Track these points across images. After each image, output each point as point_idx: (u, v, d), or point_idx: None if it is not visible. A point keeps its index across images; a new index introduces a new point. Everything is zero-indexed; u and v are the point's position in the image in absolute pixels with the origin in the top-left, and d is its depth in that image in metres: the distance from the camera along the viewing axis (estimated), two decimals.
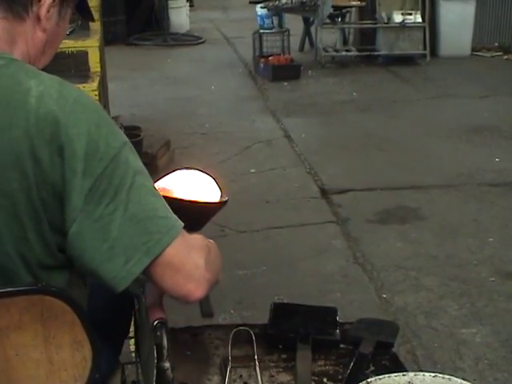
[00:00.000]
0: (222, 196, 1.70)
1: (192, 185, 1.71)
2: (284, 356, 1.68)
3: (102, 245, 1.26)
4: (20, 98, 1.25)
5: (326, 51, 8.94)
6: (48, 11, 1.38)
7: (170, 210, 1.34)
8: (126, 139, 1.33)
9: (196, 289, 1.32)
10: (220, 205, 1.69)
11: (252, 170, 5.32)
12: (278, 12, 8.78)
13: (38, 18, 1.38)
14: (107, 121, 1.31)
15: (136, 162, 1.31)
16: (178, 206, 1.43)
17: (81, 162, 1.23)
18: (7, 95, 1.25)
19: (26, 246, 1.28)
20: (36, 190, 1.24)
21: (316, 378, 1.61)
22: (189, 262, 1.32)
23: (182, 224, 1.33)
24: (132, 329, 1.95)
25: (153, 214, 1.29)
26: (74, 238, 1.26)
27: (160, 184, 1.65)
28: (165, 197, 1.54)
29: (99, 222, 1.25)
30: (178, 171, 1.76)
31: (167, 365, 1.48)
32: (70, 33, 1.53)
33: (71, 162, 1.23)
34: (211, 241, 1.51)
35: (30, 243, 1.28)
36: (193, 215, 1.58)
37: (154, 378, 1.46)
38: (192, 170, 1.76)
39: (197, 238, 1.40)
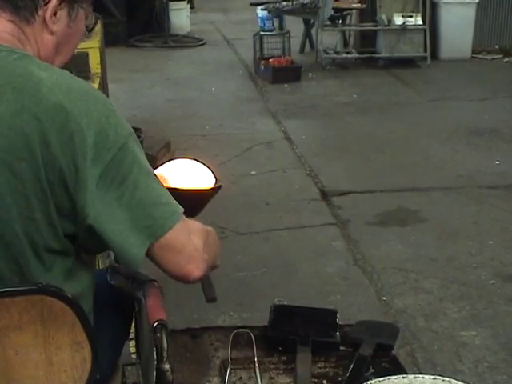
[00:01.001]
0: (216, 182, 1.77)
1: (187, 173, 1.78)
2: (284, 358, 1.68)
3: (114, 229, 1.34)
4: (33, 85, 1.30)
5: (327, 53, 8.94)
6: (55, 14, 1.43)
7: (171, 196, 1.43)
8: (132, 130, 1.41)
9: (196, 269, 1.43)
10: (213, 190, 1.77)
11: (252, 172, 5.32)
12: (278, 14, 8.77)
13: (45, 22, 1.42)
14: (115, 112, 1.38)
15: (141, 150, 1.40)
16: (174, 194, 1.48)
17: (91, 150, 1.30)
18: (21, 82, 1.30)
19: (33, 226, 1.33)
20: (44, 172, 1.29)
21: (316, 380, 1.61)
22: (189, 244, 1.42)
23: (182, 209, 1.42)
24: (132, 330, 1.95)
25: (157, 201, 1.39)
26: (93, 223, 1.33)
27: (156, 173, 1.67)
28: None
29: (109, 207, 1.33)
30: (173, 160, 1.82)
31: (167, 366, 1.48)
32: (90, 30, 1.56)
33: (82, 149, 1.30)
34: (210, 228, 1.57)
35: (37, 224, 1.33)
36: (189, 202, 1.63)
37: (154, 380, 1.46)
38: (186, 159, 1.83)
39: (196, 223, 1.49)
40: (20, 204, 1.31)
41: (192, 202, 1.68)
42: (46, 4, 1.41)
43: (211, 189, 1.76)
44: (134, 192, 1.35)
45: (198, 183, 1.75)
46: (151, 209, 1.37)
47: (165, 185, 1.60)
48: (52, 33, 1.44)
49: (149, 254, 1.40)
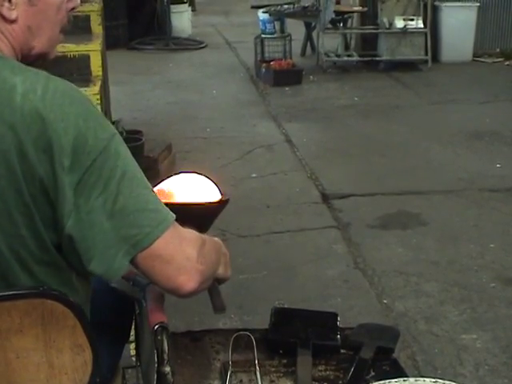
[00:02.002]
0: (222, 196, 1.71)
1: (191, 187, 1.72)
2: (284, 361, 1.68)
3: (95, 237, 1.26)
4: (5, 95, 1.24)
5: (328, 56, 8.94)
6: (9, 1, 1.32)
7: (161, 203, 1.35)
8: (115, 131, 1.31)
9: (188, 281, 1.33)
10: (221, 204, 1.70)
11: (253, 175, 5.32)
12: (279, 17, 8.78)
13: (1, 14, 1.32)
14: (95, 113, 1.30)
15: (126, 153, 1.31)
16: (180, 209, 1.43)
17: (69, 157, 1.23)
18: None
19: (19, 242, 1.28)
20: (25, 186, 1.24)
21: (316, 383, 1.61)
22: (179, 254, 1.33)
23: (174, 216, 1.34)
24: (133, 333, 1.95)
25: (143, 207, 1.29)
26: (71, 233, 1.26)
27: (160, 188, 1.66)
28: (165, 203, 1.55)
29: (90, 214, 1.25)
30: (177, 175, 1.77)
31: (167, 369, 1.48)
32: None
33: (60, 157, 1.23)
34: (216, 238, 1.53)
35: (24, 239, 1.28)
36: (195, 217, 1.58)
37: (155, 383, 1.46)
38: (191, 174, 1.77)
39: (189, 231, 1.40)
40: (3, 222, 1.26)
41: (199, 217, 1.64)
42: None
43: (218, 203, 1.69)
44: (117, 198, 1.27)
45: (204, 197, 1.69)
46: (136, 216, 1.28)
47: (169, 201, 1.58)
48: (13, 21, 1.34)
49: (136, 265, 1.32)
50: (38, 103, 1.23)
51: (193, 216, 1.58)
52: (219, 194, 1.72)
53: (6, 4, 1.32)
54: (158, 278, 1.33)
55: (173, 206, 1.38)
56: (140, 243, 1.29)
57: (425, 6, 8.89)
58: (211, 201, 1.68)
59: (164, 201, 1.55)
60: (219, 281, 1.58)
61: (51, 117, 1.23)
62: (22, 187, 1.24)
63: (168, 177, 1.76)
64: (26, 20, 1.35)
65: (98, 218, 1.26)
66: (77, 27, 4.21)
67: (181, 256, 1.33)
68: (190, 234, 1.39)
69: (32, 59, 1.41)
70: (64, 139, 1.23)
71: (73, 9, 1.47)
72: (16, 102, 1.23)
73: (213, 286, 1.57)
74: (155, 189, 1.60)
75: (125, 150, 1.31)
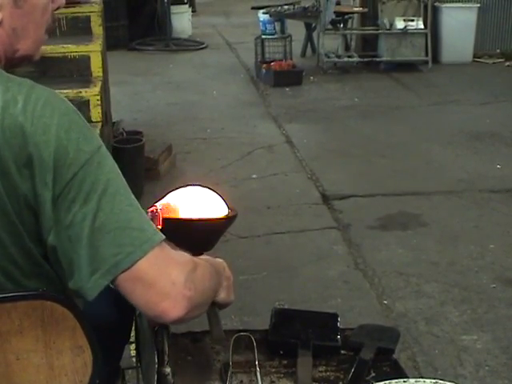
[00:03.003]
0: (229, 211, 1.64)
1: (198, 202, 1.63)
2: (285, 362, 1.68)
3: (74, 253, 1.20)
4: None
5: (328, 57, 8.94)
6: None
7: (149, 221, 1.26)
8: (101, 143, 1.24)
9: (172, 307, 1.22)
10: (228, 220, 1.63)
11: (253, 176, 5.32)
12: (280, 18, 8.78)
13: None
14: (79, 124, 1.23)
15: (112, 168, 1.24)
16: (185, 225, 1.39)
17: (50, 171, 1.17)
18: None
19: (7, 259, 1.25)
20: (10, 204, 1.19)
21: None
22: (164, 277, 1.22)
23: (162, 237, 1.25)
24: (133, 333, 1.95)
25: (125, 225, 1.21)
26: (52, 248, 1.22)
27: (165, 202, 1.59)
28: (170, 218, 1.49)
29: (69, 230, 1.19)
30: (183, 188, 1.69)
31: (168, 370, 1.48)
32: None
33: (41, 172, 1.17)
34: (219, 260, 1.46)
35: (12, 257, 1.24)
36: (201, 233, 1.55)
37: None
38: (197, 187, 1.69)
39: (180, 253, 1.30)
40: None
41: (205, 233, 1.59)
42: None
43: (225, 218, 1.62)
44: (97, 214, 1.19)
45: (211, 213, 1.60)
46: (117, 234, 1.19)
47: (174, 216, 1.52)
48: None
49: (116, 286, 1.23)
50: (18, 116, 1.17)
51: (199, 232, 1.54)
52: (227, 209, 1.64)
53: None
54: (139, 302, 1.24)
55: (178, 222, 1.34)
56: (120, 264, 1.20)
57: (425, 6, 8.89)
58: (218, 216, 1.61)
59: (169, 216, 1.51)
60: (220, 306, 1.53)
61: (32, 130, 1.16)
62: (7, 206, 1.19)
63: (173, 189, 1.68)
64: (11, 22, 1.29)
65: (77, 234, 1.19)
66: (77, 28, 4.21)
67: (165, 280, 1.22)
68: (180, 256, 1.29)
69: (16, 62, 1.36)
70: (45, 152, 1.17)
71: (57, 8, 1.41)
72: None
73: (211, 312, 1.53)
74: (159, 203, 1.57)
75: (110, 164, 1.24)
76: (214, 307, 1.50)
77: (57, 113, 1.20)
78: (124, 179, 1.26)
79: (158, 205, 1.55)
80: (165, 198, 1.62)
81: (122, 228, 1.20)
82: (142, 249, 1.21)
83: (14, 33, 1.31)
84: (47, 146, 1.17)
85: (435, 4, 9.08)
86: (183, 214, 1.58)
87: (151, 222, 1.27)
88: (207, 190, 1.67)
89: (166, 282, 1.22)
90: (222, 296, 1.49)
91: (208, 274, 1.36)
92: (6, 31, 1.30)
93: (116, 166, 1.25)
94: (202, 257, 1.40)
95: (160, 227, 1.49)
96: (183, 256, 1.30)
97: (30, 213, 1.20)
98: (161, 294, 1.22)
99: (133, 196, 1.26)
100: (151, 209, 1.53)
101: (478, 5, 9.14)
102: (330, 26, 8.92)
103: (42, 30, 1.37)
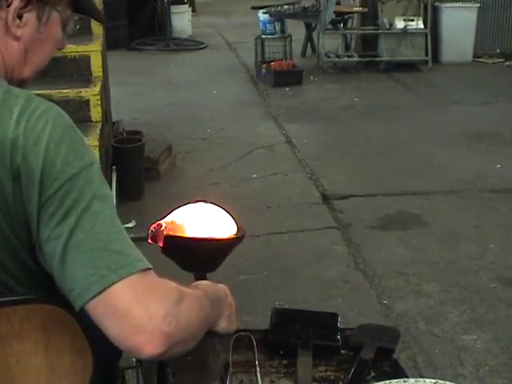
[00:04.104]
0: (238, 230, 1.56)
1: (206, 220, 1.55)
2: (285, 362, 1.68)
3: (52, 269, 1.16)
4: None
5: (328, 57, 8.94)
6: (19, 17, 1.28)
7: (132, 246, 1.17)
8: (94, 160, 1.20)
9: (147, 343, 1.12)
10: (236, 240, 1.55)
11: (253, 175, 5.33)
12: (280, 17, 8.79)
13: (7, 25, 1.27)
14: (72, 138, 1.18)
15: (100, 186, 1.18)
16: (191, 244, 1.35)
17: (37, 184, 1.14)
18: None
19: (3, 271, 1.22)
20: (3, 219, 1.16)
21: None
22: (139, 308, 1.12)
23: (146, 265, 1.16)
24: None
25: (104, 246, 1.13)
26: (33, 263, 1.21)
27: (171, 219, 1.53)
28: (173, 236, 1.44)
29: (47, 244, 1.15)
30: (190, 204, 1.61)
31: (168, 370, 1.48)
32: (70, 36, 1.42)
33: (28, 184, 1.14)
34: (222, 286, 1.40)
35: (7, 269, 1.22)
36: (207, 253, 1.50)
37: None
38: (206, 204, 1.61)
39: (165, 284, 1.19)
40: None
41: (211, 252, 1.52)
42: (8, 5, 1.26)
43: (233, 238, 1.54)
44: (75, 231, 1.12)
45: (219, 232, 1.52)
46: (94, 254, 1.12)
47: (179, 233, 1.46)
48: (17, 38, 1.29)
49: (87, 311, 1.14)
50: (11, 128, 1.14)
51: (204, 251, 1.49)
52: (235, 228, 1.56)
53: (17, 21, 1.27)
54: (111, 332, 1.14)
55: (181, 240, 1.31)
56: (92, 287, 1.11)
57: (425, 6, 8.89)
58: (225, 236, 1.53)
59: (175, 234, 1.45)
60: (221, 335, 1.48)
61: (23, 142, 1.14)
62: (1, 221, 1.16)
63: (181, 206, 1.60)
64: (27, 43, 1.31)
65: (53, 251, 1.14)
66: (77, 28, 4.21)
67: (140, 312, 1.11)
68: (164, 286, 1.18)
69: (15, 84, 1.33)
70: (33, 164, 1.13)
71: (59, 49, 1.42)
72: None
73: (209, 343, 1.49)
74: (165, 220, 1.51)
75: (99, 182, 1.18)
76: (214, 338, 1.45)
77: (50, 125, 1.17)
78: (113, 202, 1.21)
79: (163, 222, 1.50)
80: (171, 214, 1.55)
81: (100, 249, 1.13)
82: (118, 273, 1.12)
83: (26, 54, 1.32)
84: (36, 157, 1.14)
85: (435, 4, 9.08)
86: (189, 232, 1.51)
87: (137, 250, 1.18)
88: (216, 207, 1.59)
89: (141, 314, 1.12)
90: (223, 326, 1.44)
91: (197, 306, 1.25)
92: (20, 49, 1.31)
93: (107, 185, 1.21)
94: (204, 282, 1.35)
95: (161, 245, 1.46)
96: (167, 286, 1.19)
97: (21, 226, 1.17)
98: (134, 326, 1.12)
99: (118, 221, 1.18)
100: (154, 225, 1.49)
101: (478, 5, 9.15)
102: (330, 26, 8.92)
103: (45, 60, 1.38)
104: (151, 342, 1.12)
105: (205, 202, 1.60)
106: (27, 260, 1.21)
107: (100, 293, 1.11)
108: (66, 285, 1.15)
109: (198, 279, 1.46)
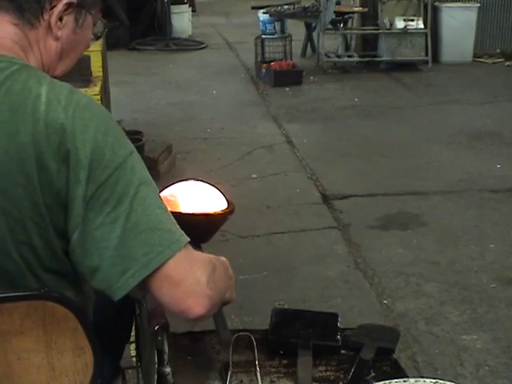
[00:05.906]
0: (228, 205, 1.69)
1: (197, 196, 1.68)
2: (285, 361, 1.68)
3: (101, 253, 1.24)
4: (30, 104, 1.24)
5: (328, 57, 8.95)
6: (60, 19, 1.38)
7: (176, 224, 1.31)
8: (133, 149, 1.31)
9: (196, 305, 1.29)
10: (226, 215, 1.67)
11: (253, 175, 5.32)
12: (280, 17, 8.79)
13: (50, 26, 1.38)
14: (115, 129, 1.30)
15: (143, 172, 1.30)
16: (184, 219, 1.40)
17: (85, 170, 1.23)
18: (18, 101, 1.25)
19: (30, 250, 1.28)
20: (41, 197, 1.24)
21: None
22: (189, 277, 1.29)
23: (187, 239, 1.31)
24: (133, 334, 1.95)
25: (155, 226, 1.27)
26: (75, 245, 1.26)
27: (163, 195, 1.62)
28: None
29: (99, 230, 1.24)
30: (181, 182, 1.74)
31: (168, 370, 1.48)
32: (97, 38, 1.53)
33: (75, 169, 1.23)
34: (223, 258, 1.49)
35: (35, 248, 1.28)
36: (199, 227, 1.57)
37: (155, 383, 1.46)
38: (196, 181, 1.74)
39: (202, 255, 1.37)
40: (16, 230, 1.26)
41: (203, 226, 1.62)
42: (51, 8, 1.36)
43: (223, 213, 1.67)
44: (130, 215, 1.25)
45: (208, 207, 1.66)
46: (148, 235, 1.26)
47: (173, 209, 1.54)
48: (57, 38, 1.40)
49: (144, 284, 1.28)
50: (60, 114, 1.24)
51: (197, 226, 1.56)
52: (225, 203, 1.69)
53: (58, 23, 1.39)
54: (166, 299, 1.29)
55: (177, 215, 1.35)
56: (151, 263, 1.25)
57: (425, 6, 8.90)
58: (217, 211, 1.66)
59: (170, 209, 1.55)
60: (224, 304, 1.54)
61: (72, 128, 1.23)
62: (39, 198, 1.24)
63: (172, 183, 1.72)
64: (64, 43, 1.42)
65: (107, 235, 1.24)
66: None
67: (191, 279, 1.29)
68: (202, 257, 1.36)
69: None
70: (82, 152, 1.23)
71: (94, 35, 1.53)
72: (39, 112, 1.24)
73: (219, 314, 1.56)
74: None
75: (141, 169, 1.30)
76: (220, 308, 1.51)
77: (95, 116, 1.27)
78: (154, 183, 1.32)
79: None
80: (164, 191, 1.66)
81: (153, 229, 1.26)
82: (171, 249, 1.27)
83: (61, 54, 1.44)
84: (85, 145, 1.23)
85: (435, 4, 9.08)
86: (182, 207, 1.62)
87: (177, 225, 1.31)
88: (206, 184, 1.72)
89: (191, 281, 1.29)
90: (227, 295, 1.51)
91: (224, 275, 1.44)
92: (57, 49, 1.42)
93: (146, 170, 1.32)
94: (201, 253, 1.41)
95: None
96: (204, 257, 1.37)
97: (60, 209, 1.25)
98: (186, 292, 1.28)
99: (160, 199, 1.32)
100: None
101: (478, 4, 9.15)
102: (330, 26, 8.93)
103: (75, 60, 1.51)
104: (199, 304, 1.29)
105: (195, 179, 1.74)
106: (55, 244, 1.29)
107: (159, 268, 1.25)
108: (118, 267, 1.25)
109: None
